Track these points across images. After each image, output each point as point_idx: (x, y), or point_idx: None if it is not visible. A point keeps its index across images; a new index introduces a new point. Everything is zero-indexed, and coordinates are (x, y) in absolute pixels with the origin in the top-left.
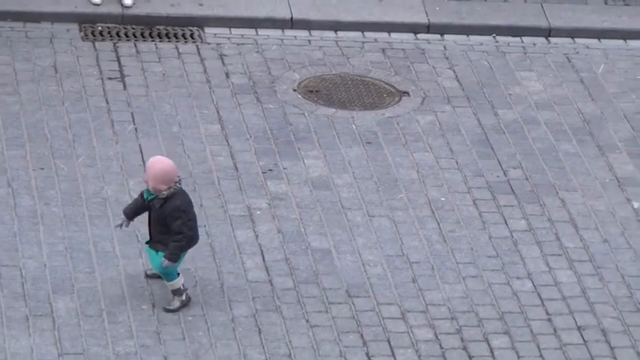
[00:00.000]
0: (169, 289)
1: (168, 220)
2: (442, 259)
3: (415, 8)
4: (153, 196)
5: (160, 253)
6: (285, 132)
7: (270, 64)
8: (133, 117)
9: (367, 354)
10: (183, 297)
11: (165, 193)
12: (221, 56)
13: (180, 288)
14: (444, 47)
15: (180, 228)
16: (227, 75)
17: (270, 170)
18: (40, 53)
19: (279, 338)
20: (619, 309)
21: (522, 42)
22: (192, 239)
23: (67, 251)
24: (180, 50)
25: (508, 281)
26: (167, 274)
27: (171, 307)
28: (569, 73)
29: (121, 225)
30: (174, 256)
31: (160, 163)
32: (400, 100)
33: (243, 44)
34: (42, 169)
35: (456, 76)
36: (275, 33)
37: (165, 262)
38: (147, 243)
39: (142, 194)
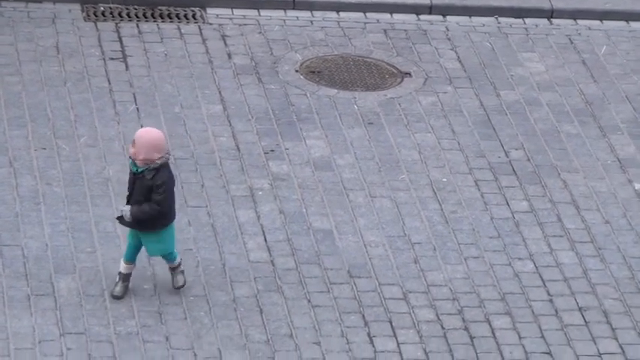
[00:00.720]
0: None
1: (154, 192)
2: (444, 240)
3: None
4: (143, 169)
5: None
6: (287, 112)
7: (272, 44)
8: (134, 97)
9: (369, 334)
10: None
11: (158, 162)
12: (223, 37)
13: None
14: (446, 28)
15: (160, 201)
16: (229, 56)
17: (272, 151)
18: (42, 33)
19: (281, 318)
20: (620, 290)
21: (524, 23)
22: (163, 216)
23: (68, 231)
24: (183, 31)
25: (509, 262)
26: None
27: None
28: (571, 55)
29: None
30: (135, 218)
31: (150, 132)
32: (402, 80)
33: (245, 25)
34: (44, 149)
35: (458, 57)
36: (277, 14)
37: (125, 213)
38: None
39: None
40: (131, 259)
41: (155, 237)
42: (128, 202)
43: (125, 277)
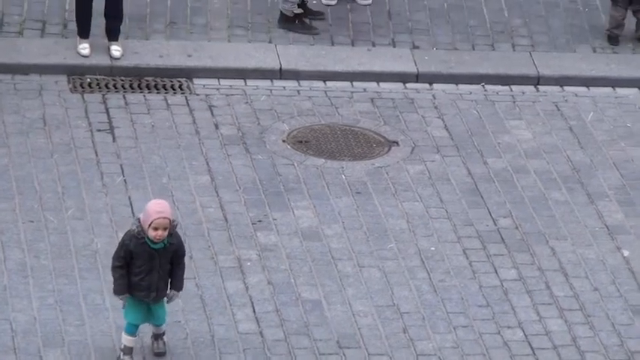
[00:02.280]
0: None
1: (179, 255)
2: (432, 309)
3: (404, 57)
4: (165, 241)
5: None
6: (274, 183)
7: (259, 114)
8: (122, 169)
9: None
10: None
11: (175, 224)
12: (210, 107)
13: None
14: (433, 96)
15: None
16: (216, 126)
17: (260, 221)
18: (28, 105)
19: None
20: (610, 357)
21: (511, 90)
22: None
23: (57, 304)
24: (169, 101)
25: (499, 331)
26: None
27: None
28: (558, 122)
29: (124, 305)
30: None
31: (163, 202)
32: (389, 149)
33: (232, 95)
34: (31, 221)
35: (445, 125)
36: (264, 83)
37: (178, 295)
38: (153, 300)
39: (121, 266)
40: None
41: (163, 301)
42: (156, 287)
43: (131, 351)
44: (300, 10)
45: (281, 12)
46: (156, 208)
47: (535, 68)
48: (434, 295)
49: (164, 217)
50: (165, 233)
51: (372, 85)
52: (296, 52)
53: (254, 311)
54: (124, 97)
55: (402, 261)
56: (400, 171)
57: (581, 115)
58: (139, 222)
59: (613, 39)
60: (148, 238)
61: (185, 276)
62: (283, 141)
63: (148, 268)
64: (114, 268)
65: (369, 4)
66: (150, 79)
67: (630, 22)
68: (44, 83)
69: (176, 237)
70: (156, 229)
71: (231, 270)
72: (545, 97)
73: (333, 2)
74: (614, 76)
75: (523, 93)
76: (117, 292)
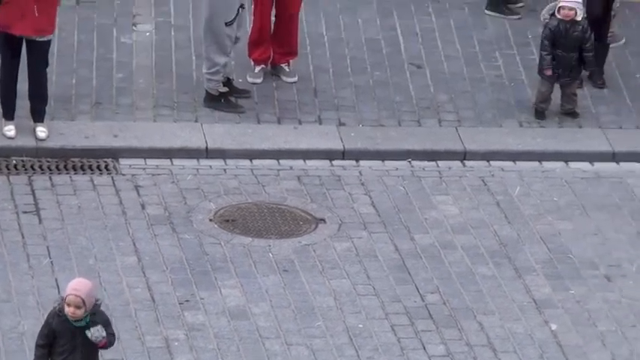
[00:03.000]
0: None
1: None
2: None
3: (330, 134)
4: (86, 320)
5: None
6: (201, 262)
7: (185, 194)
8: (48, 250)
9: None
10: None
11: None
12: (136, 187)
13: None
14: (360, 173)
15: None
16: (143, 206)
17: (187, 301)
18: None
19: None
20: None
21: (438, 166)
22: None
23: None
24: (96, 182)
25: None
26: None
27: None
28: (484, 196)
29: None
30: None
31: (84, 280)
32: (316, 227)
33: (158, 174)
34: None
35: (372, 201)
36: (190, 163)
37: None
38: None
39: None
40: None
41: None
42: None
43: None
44: (225, 89)
45: (206, 91)
46: (72, 285)
47: (461, 143)
48: None
49: (75, 295)
50: (79, 312)
51: (298, 163)
52: (222, 131)
53: None
54: (50, 179)
55: (330, 339)
56: (327, 248)
57: (507, 189)
58: (62, 299)
59: (540, 113)
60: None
61: (112, 357)
62: (210, 220)
63: (71, 347)
64: (36, 347)
65: (294, 82)
66: (76, 160)
67: (556, 96)
68: None
69: (100, 315)
70: (68, 305)
71: (158, 350)
72: (472, 172)
73: (259, 80)
74: (540, 150)
75: (449, 168)
76: None
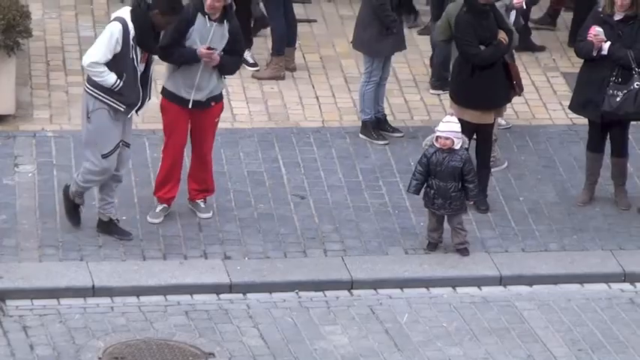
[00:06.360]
0: None
1: None
2: None
3: (216, 269)
4: None
5: None
6: None
7: (73, 333)
8: None
9: None
10: None
11: None
12: (24, 328)
13: None
14: (247, 306)
15: None
16: (31, 347)
17: None
18: None
19: None
20: None
21: (325, 296)
22: None
23: None
24: None
25: None
26: None
27: None
28: (373, 325)
29: None
30: None
31: None
32: None
33: (45, 315)
34: None
35: (261, 334)
36: (77, 302)
37: None
38: None
39: None
40: None
41: None
42: None
43: None
44: (116, 216)
45: (99, 219)
46: None
47: (348, 272)
48: None
49: None
50: None
51: (185, 298)
52: (108, 269)
53: None
54: None
55: None
56: None
57: (396, 317)
58: None
59: (430, 244)
60: None
61: None
62: (99, 358)
63: None
64: None
65: (209, 218)
66: None
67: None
68: None
69: None
70: None
71: None
72: (360, 300)
73: (158, 220)
74: (427, 276)
75: (337, 298)
76: None
